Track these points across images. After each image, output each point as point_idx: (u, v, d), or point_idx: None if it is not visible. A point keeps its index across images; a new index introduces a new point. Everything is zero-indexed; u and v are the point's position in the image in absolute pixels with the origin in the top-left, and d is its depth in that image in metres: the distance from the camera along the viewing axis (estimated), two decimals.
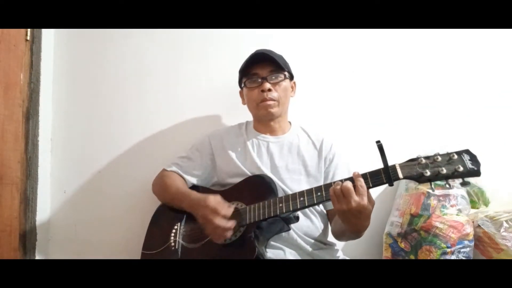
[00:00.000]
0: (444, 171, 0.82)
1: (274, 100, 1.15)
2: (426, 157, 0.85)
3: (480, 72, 1.56)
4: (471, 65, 1.56)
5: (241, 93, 1.27)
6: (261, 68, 1.15)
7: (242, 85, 1.22)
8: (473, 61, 1.57)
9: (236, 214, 1.03)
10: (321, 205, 1.16)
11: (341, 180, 0.89)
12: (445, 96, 1.55)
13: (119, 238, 1.44)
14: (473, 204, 1.37)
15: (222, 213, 0.97)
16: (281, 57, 1.20)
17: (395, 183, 1.45)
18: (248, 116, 1.29)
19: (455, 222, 1.27)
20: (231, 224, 0.97)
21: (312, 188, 0.96)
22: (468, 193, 1.37)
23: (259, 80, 1.15)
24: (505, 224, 1.24)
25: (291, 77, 1.23)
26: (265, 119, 1.20)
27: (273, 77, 1.15)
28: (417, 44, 1.56)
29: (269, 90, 1.14)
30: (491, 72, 1.56)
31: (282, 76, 1.17)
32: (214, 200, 1.00)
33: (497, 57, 1.57)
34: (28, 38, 1.34)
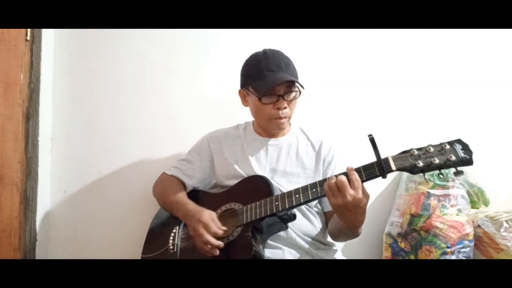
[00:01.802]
0: (437, 161, 0.82)
1: (286, 117, 1.13)
2: (419, 149, 0.86)
3: (480, 72, 1.56)
4: (470, 65, 1.57)
5: (240, 93, 1.21)
6: (278, 85, 1.09)
7: (256, 97, 1.10)
8: (473, 60, 1.57)
9: (233, 215, 1.04)
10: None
11: (336, 175, 0.89)
12: (444, 96, 1.55)
13: (119, 238, 1.44)
14: (473, 204, 1.37)
15: (212, 230, 0.98)
16: (294, 68, 1.13)
17: (395, 183, 1.49)
18: (247, 117, 1.29)
19: (455, 222, 1.27)
20: (218, 243, 0.97)
21: (307, 185, 0.96)
22: (468, 193, 1.37)
23: (276, 96, 1.09)
24: (505, 224, 1.24)
25: None
26: (272, 132, 1.20)
27: (289, 95, 1.11)
28: (415, 44, 1.56)
29: (284, 107, 1.11)
30: (492, 72, 1.57)
31: (298, 94, 1.13)
32: (208, 216, 1.01)
33: (498, 57, 1.57)
34: (28, 38, 1.34)
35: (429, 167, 0.83)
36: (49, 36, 1.46)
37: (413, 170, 0.85)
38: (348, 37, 1.55)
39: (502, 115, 1.56)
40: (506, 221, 1.24)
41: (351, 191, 0.85)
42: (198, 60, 1.52)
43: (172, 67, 1.51)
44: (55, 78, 1.48)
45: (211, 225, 0.99)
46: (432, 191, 1.32)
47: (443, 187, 1.32)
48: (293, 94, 1.11)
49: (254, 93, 1.11)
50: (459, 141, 0.84)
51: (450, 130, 1.51)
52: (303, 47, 1.52)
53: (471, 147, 0.84)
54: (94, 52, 1.51)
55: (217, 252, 0.97)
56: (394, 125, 1.52)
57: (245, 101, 1.21)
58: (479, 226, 1.29)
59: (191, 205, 1.09)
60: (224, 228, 1.01)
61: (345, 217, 0.90)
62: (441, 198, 1.31)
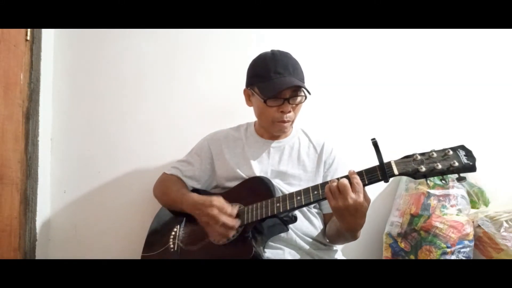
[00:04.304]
0: (440, 166, 0.82)
1: (290, 121, 1.13)
2: (422, 154, 0.86)
3: (480, 72, 1.56)
4: (471, 64, 1.57)
5: (245, 92, 1.19)
6: (284, 89, 1.08)
7: (261, 99, 1.08)
8: (472, 61, 1.57)
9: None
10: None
11: (337, 178, 0.89)
12: (446, 97, 1.55)
13: (119, 238, 1.44)
14: (473, 204, 1.37)
15: (228, 211, 0.99)
16: (301, 72, 1.12)
17: (395, 183, 1.49)
18: (248, 117, 1.29)
19: (455, 222, 1.27)
20: (236, 222, 0.98)
21: (308, 187, 0.96)
22: (468, 193, 1.37)
23: (281, 99, 1.08)
24: (505, 224, 1.24)
25: None
26: (274, 134, 1.20)
27: (295, 99, 1.10)
28: (419, 44, 1.56)
29: (289, 111, 1.10)
30: (491, 72, 1.57)
31: (304, 98, 1.12)
32: (219, 200, 1.02)
33: (497, 57, 1.57)
34: (28, 38, 1.34)
35: (431, 173, 0.83)
36: (49, 36, 1.46)
37: (415, 175, 0.84)
38: (351, 37, 1.54)
39: (502, 115, 1.56)
40: (506, 221, 1.24)
41: (352, 195, 0.85)
42: (199, 61, 1.52)
43: (173, 67, 1.51)
44: (55, 78, 1.48)
45: (225, 206, 0.99)
46: (432, 191, 1.32)
47: (443, 187, 1.32)
48: (299, 98, 1.10)
49: (259, 94, 1.09)
50: (462, 147, 0.84)
51: (451, 130, 1.51)
52: (306, 47, 1.52)
53: (471, 147, 0.84)
54: (94, 52, 1.50)
55: (233, 232, 0.99)
56: (397, 129, 1.52)
57: (249, 101, 1.19)
58: (479, 226, 1.29)
59: (197, 195, 1.10)
60: (237, 206, 1.02)
61: (345, 220, 0.90)
62: (441, 198, 1.31)
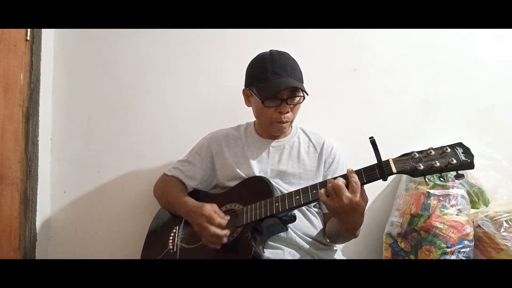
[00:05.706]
0: (438, 164, 0.82)
1: (288, 121, 1.13)
2: (420, 152, 0.86)
3: (479, 71, 1.56)
4: (471, 63, 1.56)
5: (244, 92, 1.20)
6: (282, 90, 1.07)
7: (259, 100, 1.09)
8: (473, 59, 1.57)
9: (233, 216, 1.04)
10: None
11: (334, 178, 0.89)
12: (444, 96, 1.55)
13: (119, 238, 1.44)
14: (473, 204, 1.37)
15: (216, 222, 0.98)
16: (299, 72, 1.12)
17: (395, 183, 1.49)
18: (248, 117, 1.29)
19: (455, 222, 1.27)
20: (225, 232, 0.98)
21: (307, 186, 0.96)
22: (468, 193, 1.36)
23: (279, 100, 1.08)
24: (505, 224, 1.24)
25: None
26: (273, 134, 1.20)
27: (293, 100, 1.10)
28: (419, 44, 1.56)
29: (287, 112, 1.10)
30: (491, 71, 1.56)
31: (302, 99, 1.12)
32: (210, 209, 1.01)
33: (497, 55, 1.57)
34: (28, 38, 1.35)
35: (430, 170, 0.83)
36: (49, 36, 1.46)
37: (413, 173, 0.85)
38: (351, 37, 1.54)
39: (502, 114, 1.55)
40: (506, 221, 1.24)
41: (348, 194, 0.85)
42: (199, 60, 1.52)
43: (172, 67, 1.51)
44: (55, 78, 1.48)
45: (214, 216, 0.99)
46: (432, 191, 1.32)
47: (443, 187, 1.32)
48: (297, 99, 1.11)
49: (257, 95, 1.09)
50: (460, 145, 0.84)
51: (451, 130, 1.51)
52: (305, 47, 1.51)
53: (470, 146, 0.84)
54: (94, 52, 1.51)
55: (225, 240, 0.98)
56: (395, 127, 1.52)
57: (248, 101, 1.20)
58: (479, 226, 1.29)
59: (192, 201, 1.10)
60: (228, 217, 1.01)
61: (342, 219, 0.90)
62: (441, 198, 1.31)
